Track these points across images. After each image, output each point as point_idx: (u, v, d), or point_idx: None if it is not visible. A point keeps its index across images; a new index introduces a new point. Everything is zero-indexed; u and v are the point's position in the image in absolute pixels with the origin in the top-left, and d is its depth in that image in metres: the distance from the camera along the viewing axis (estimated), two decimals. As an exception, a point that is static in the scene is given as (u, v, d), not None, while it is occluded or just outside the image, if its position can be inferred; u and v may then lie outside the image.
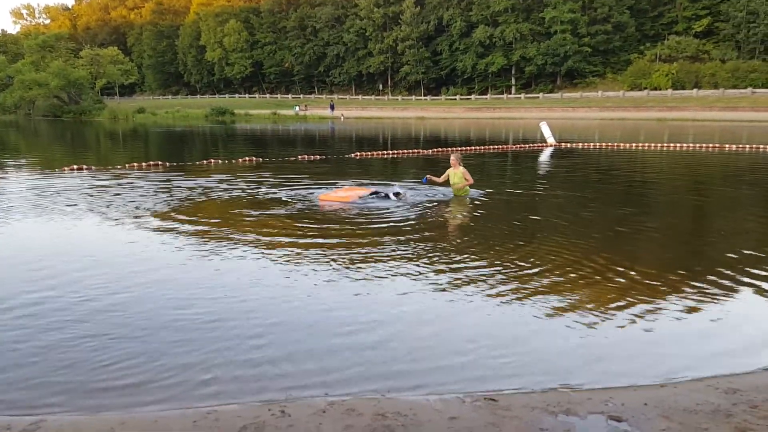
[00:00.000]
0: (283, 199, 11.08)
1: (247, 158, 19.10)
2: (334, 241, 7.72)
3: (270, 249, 7.30)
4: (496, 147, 24.27)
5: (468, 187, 11.12)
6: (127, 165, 17.17)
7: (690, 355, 4.37)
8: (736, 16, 67.44)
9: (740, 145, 23.30)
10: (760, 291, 5.76)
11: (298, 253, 7.07)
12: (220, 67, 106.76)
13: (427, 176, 11.16)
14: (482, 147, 24.08)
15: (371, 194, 10.88)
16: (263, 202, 10.71)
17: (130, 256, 6.99)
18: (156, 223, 8.93)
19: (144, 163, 17.32)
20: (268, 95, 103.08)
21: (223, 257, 6.93)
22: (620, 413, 3.39)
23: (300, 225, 8.75)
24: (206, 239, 7.86)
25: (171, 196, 11.49)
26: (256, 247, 7.41)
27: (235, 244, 7.56)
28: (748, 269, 6.45)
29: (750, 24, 66.52)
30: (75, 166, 16.24)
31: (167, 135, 37.08)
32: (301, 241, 7.73)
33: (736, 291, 5.76)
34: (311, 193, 11.65)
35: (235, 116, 62.15)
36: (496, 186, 12.88)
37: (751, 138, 28.73)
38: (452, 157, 10.94)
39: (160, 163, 17.54)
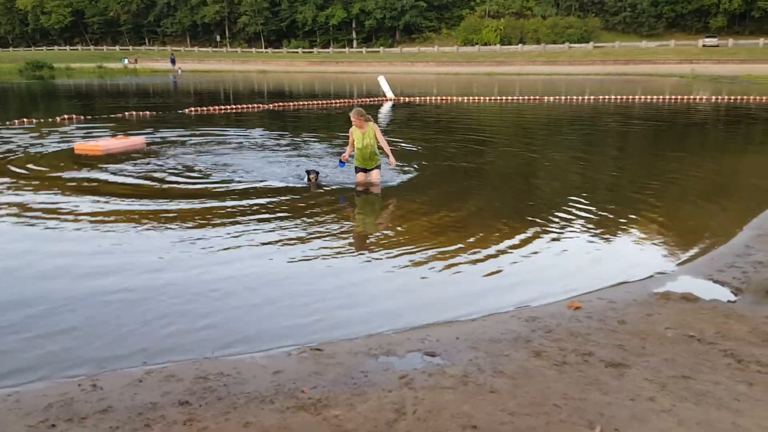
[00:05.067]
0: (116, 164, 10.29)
1: (66, 116, 17.39)
2: (160, 201, 7.36)
3: (79, 215, 6.78)
4: (341, 101, 24.29)
5: (379, 154, 8.46)
6: None
7: (500, 290, 4.77)
8: (555, -26, 72.59)
9: (557, 97, 25.46)
10: (564, 229, 6.43)
11: (117, 219, 6.64)
12: (35, 16, 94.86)
13: (341, 158, 8.57)
14: (328, 102, 24.00)
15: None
16: (91, 164, 9.86)
17: None
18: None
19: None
20: (92, 47, 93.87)
21: (28, 226, 6.32)
22: (435, 349, 3.64)
23: (129, 187, 8.22)
24: (25, 205, 7.10)
25: (-29, 161, 10.19)
26: (69, 215, 6.83)
27: (51, 208, 6.92)
28: (558, 210, 7.17)
29: (566, -18, 72.01)
30: None
31: (-31, 92, 32.59)
32: (122, 205, 7.27)
33: (545, 230, 6.36)
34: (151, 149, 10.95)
35: (54, 71, 56.26)
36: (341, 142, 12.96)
37: (568, 90, 31.48)
38: (353, 115, 8.15)
39: (-42, 124, 15.44)
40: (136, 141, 12.12)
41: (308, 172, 8.52)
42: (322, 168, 9.28)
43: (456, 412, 2.89)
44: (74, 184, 8.47)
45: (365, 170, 8.45)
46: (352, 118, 8.17)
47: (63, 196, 7.66)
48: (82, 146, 11.39)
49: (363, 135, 8.17)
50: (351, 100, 25.54)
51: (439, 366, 3.41)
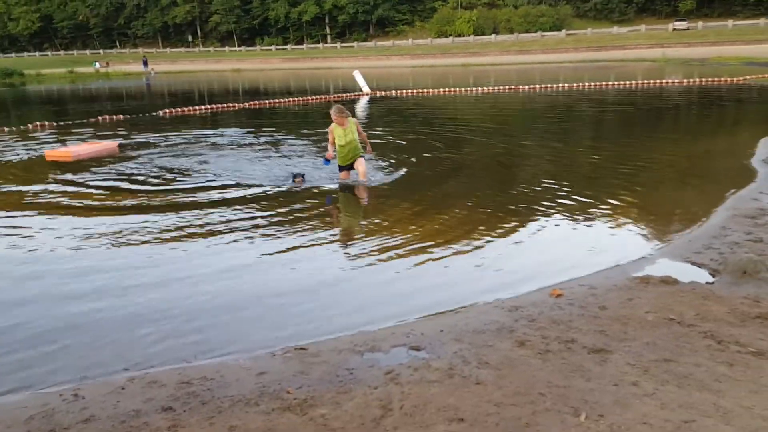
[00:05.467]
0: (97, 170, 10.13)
1: (38, 123, 17.05)
2: (138, 207, 7.26)
3: (54, 225, 6.67)
4: (317, 98, 24.18)
5: (361, 146, 8.17)
6: None
7: (482, 281, 4.79)
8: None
9: (532, 86, 25.60)
10: (543, 217, 6.47)
11: (93, 226, 6.54)
12: (2, 23, 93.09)
13: (326, 156, 8.19)
14: (304, 98, 23.88)
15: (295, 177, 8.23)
16: (62, 172, 9.69)
17: None
18: None
19: None
20: (62, 52, 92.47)
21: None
22: (419, 343, 3.64)
23: (116, 195, 8.10)
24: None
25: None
26: (44, 226, 6.73)
27: (23, 219, 6.80)
28: (536, 199, 7.23)
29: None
30: None
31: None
32: (98, 213, 7.16)
33: (524, 219, 6.41)
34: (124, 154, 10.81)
35: (24, 77, 55.28)
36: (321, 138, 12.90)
37: (543, 78, 31.64)
38: (333, 112, 7.84)
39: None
40: (108, 145, 11.95)
41: (294, 175, 8.21)
42: (305, 167, 9.20)
43: (442, 406, 2.89)
44: (46, 194, 8.27)
45: (349, 167, 8.17)
46: (333, 116, 7.84)
47: (34, 209, 7.52)
48: (52, 153, 11.26)
49: (345, 131, 7.88)
50: (327, 96, 25.43)
51: (425, 360, 3.41)
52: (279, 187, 8.17)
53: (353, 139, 7.94)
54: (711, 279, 4.53)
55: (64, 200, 7.82)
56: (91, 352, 3.69)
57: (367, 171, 8.19)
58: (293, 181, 8.16)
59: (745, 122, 14.26)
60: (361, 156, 8.16)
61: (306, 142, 12.31)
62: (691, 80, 24.92)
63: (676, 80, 25.42)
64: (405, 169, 9.13)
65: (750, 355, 3.28)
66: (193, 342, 3.82)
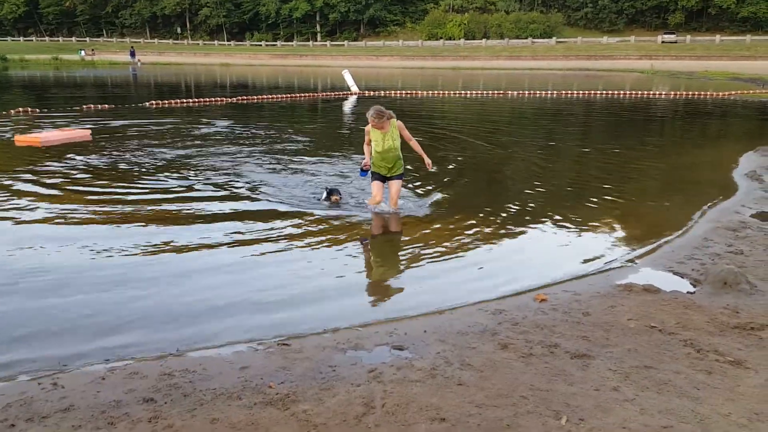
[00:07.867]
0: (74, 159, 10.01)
1: (21, 109, 16.81)
2: (116, 197, 7.20)
3: (38, 209, 6.59)
4: (305, 95, 24.11)
5: (401, 157, 6.71)
6: None
7: (467, 283, 4.79)
8: (518, -30, 73.36)
9: (521, 91, 25.75)
10: (529, 223, 6.51)
11: (72, 216, 6.47)
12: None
13: (362, 166, 6.76)
14: (293, 95, 23.79)
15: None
16: (29, 158, 9.56)
17: None
18: None
19: None
20: (47, 38, 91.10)
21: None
22: (403, 342, 3.65)
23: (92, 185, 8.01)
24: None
25: None
26: (26, 207, 6.64)
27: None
28: (522, 204, 7.27)
29: (530, -23, 72.88)
30: None
31: None
32: (74, 204, 7.08)
33: (510, 224, 6.44)
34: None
35: (7, 62, 54.53)
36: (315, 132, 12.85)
37: (531, 84, 31.85)
38: (372, 116, 6.40)
39: None
40: (80, 133, 11.86)
41: (330, 192, 7.10)
42: (328, 173, 8.84)
43: (424, 405, 2.89)
44: (6, 178, 8.14)
45: (384, 178, 6.77)
46: (370, 120, 6.44)
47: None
48: (22, 138, 11.24)
49: (384, 136, 6.50)
50: (316, 94, 25.37)
51: (408, 359, 3.42)
52: (263, 182, 8.15)
53: (394, 146, 6.56)
54: (692, 289, 4.59)
55: (31, 186, 7.69)
56: (70, 342, 3.64)
57: (399, 197, 6.82)
58: (329, 199, 7.05)
59: (729, 136, 14.46)
60: (399, 177, 6.80)
61: (300, 138, 12.27)
62: (678, 93, 25.21)
63: (664, 92, 25.71)
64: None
65: (728, 364, 3.33)
66: (175, 334, 3.79)
